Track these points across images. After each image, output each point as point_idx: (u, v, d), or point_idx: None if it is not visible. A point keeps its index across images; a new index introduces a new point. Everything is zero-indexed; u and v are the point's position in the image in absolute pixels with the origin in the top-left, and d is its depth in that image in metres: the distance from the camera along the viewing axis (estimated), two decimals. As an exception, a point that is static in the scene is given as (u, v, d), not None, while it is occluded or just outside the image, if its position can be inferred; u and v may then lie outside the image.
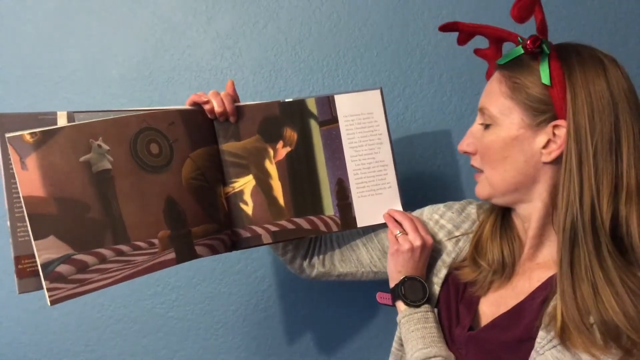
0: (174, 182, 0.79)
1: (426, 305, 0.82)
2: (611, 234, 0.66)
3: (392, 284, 0.85)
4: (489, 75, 0.81)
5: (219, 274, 1.14)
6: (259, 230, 0.86)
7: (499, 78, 0.74)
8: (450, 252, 0.86)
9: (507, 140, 0.72)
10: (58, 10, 1.12)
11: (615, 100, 0.66)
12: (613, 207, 0.66)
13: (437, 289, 0.85)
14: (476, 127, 0.77)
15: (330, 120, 0.88)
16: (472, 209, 0.88)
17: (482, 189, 0.78)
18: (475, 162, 0.78)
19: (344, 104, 0.89)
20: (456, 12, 1.09)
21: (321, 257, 0.96)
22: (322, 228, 0.88)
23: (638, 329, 0.62)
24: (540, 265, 0.76)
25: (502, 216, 0.82)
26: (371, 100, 0.89)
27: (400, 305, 0.83)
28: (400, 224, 0.86)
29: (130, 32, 1.12)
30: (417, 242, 0.82)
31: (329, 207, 0.89)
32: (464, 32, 0.82)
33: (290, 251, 0.94)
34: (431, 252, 0.87)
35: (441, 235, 0.88)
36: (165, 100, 1.13)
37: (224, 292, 1.14)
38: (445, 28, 0.81)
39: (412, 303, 0.81)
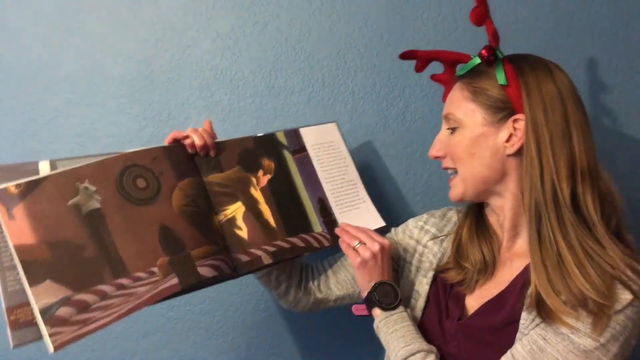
0: (165, 210, 0.80)
1: (400, 307, 0.84)
2: (574, 210, 0.74)
3: (364, 295, 0.87)
4: (445, 99, 0.88)
5: (219, 274, 1.14)
6: (258, 252, 0.86)
7: (460, 87, 0.82)
8: (436, 253, 0.91)
9: (473, 138, 0.79)
10: (58, 10, 1.12)
11: (562, 96, 0.76)
12: (572, 186, 0.74)
13: (426, 288, 0.89)
14: (443, 133, 0.84)
15: (300, 149, 0.96)
16: (452, 214, 0.95)
17: (455, 190, 0.84)
18: (447, 163, 0.84)
19: (308, 135, 0.98)
20: (456, 12, 1.09)
21: (316, 282, 0.97)
22: (315, 244, 0.90)
23: (599, 291, 0.68)
24: (518, 255, 0.82)
25: (477, 217, 0.88)
26: (330, 131, 1.01)
27: (376, 311, 0.85)
28: (354, 238, 0.89)
29: (130, 32, 1.12)
30: (376, 247, 0.85)
31: (317, 224, 0.92)
32: (422, 59, 0.92)
33: (284, 281, 0.94)
34: (419, 256, 0.92)
35: (426, 239, 0.93)
36: (165, 100, 1.13)
37: (224, 292, 1.14)
38: (405, 56, 0.92)
39: (387, 306, 0.84)
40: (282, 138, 0.95)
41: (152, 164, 0.81)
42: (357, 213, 0.96)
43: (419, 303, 0.89)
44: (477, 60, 0.81)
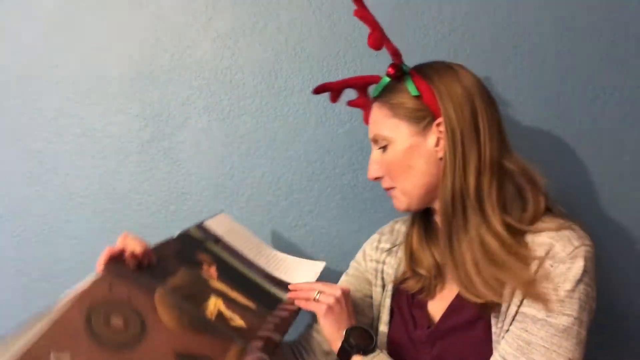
0: (165, 335, 0.67)
1: (377, 349, 0.81)
2: (478, 202, 0.77)
3: (338, 345, 0.81)
4: (367, 121, 0.91)
5: (219, 274, 1.14)
6: (265, 333, 0.80)
7: (378, 106, 0.85)
8: (393, 265, 0.92)
9: (405, 151, 0.82)
10: (58, 10, 1.12)
11: (469, 93, 0.80)
12: (477, 179, 0.77)
13: (388, 301, 0.91)
14: (375, 154, 0.86)
15: (217, 238, 0.96)
16: (399, 225, 0.97)
17: (400, 202, 0.85)
18: (385, 183, 0.86)
19: (214, 225, 0.98)
20: (456, 12, 1.09)
21: (311, 353, 0.92)
22: (295, 308, 0.87)
23: (521, 280, 0.73)
24: None
25: (424, 223, 0.90)
26: (226, 219, 1.02)
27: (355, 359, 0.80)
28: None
29: (130, 32, 1.12)
30: (338, 292, 0.83)
31: (280, 293, 0.90)
32: (334, 90, 0.95)
33: None
34: (381, 274, 0.93)
35: (384, 256, 0.94)
36: (165, 100, 1.13)
37: (224, 292, 1.14)
38: (318, 91, 0.94)
39: (366, 349, 0.80)
40: (197, 233, 0.92)
41: (112, 294, 0.67)
42: (296, 271, 0.97)
43: (384, 316, 0.90)
44: (387, 80, 0.85)
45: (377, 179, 0.86)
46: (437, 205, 0.84)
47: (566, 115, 1.06)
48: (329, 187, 1.12)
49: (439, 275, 0.86)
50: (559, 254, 0.73)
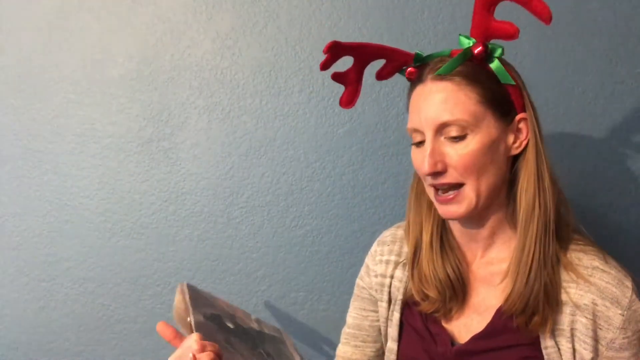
0: None
1: None
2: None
3: None
4: (346, 100, 0.86)
5: (219, 274, 1.14)
6: None
7: (456, 86, 0.73)
8: (402, 279, 0.85)
9: (492, 143, 0.73)
10: (58, 10, 1.12)
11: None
12: (553, 186, 0.74)
13: (397, 316, 0.84)
14: (441, 143, 0.73)
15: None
16: (400, 232, 0.88)
17: (463, 205, 0.73)
18: (449, 177, 0.73)
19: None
20: (456, 12, 1.08)
21: None
22: None
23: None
24: (492, 269, 0.79)
25: (437, 232, 0.81)
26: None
27: None
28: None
29: (130, 32, 1.12)
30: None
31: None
32: (353, 53, 0.82)
33: None
34: (388, 288, 0.87)
35: (391, 269, 0.87)
36: (165, 100, 1.13)
37: (224, 292, 1.14)
38: (331, 50, 0.80)
39: None
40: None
41: None
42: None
43: (392, 332, 0.85)
44: (464, 57, 0.73)
45: (436, 174, 0.73)
46: (490, 210, 0.77)
47: (566, 115, 1.06)
48: (329, 187, 1.12)
49: (454, 297, 0.78)
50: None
